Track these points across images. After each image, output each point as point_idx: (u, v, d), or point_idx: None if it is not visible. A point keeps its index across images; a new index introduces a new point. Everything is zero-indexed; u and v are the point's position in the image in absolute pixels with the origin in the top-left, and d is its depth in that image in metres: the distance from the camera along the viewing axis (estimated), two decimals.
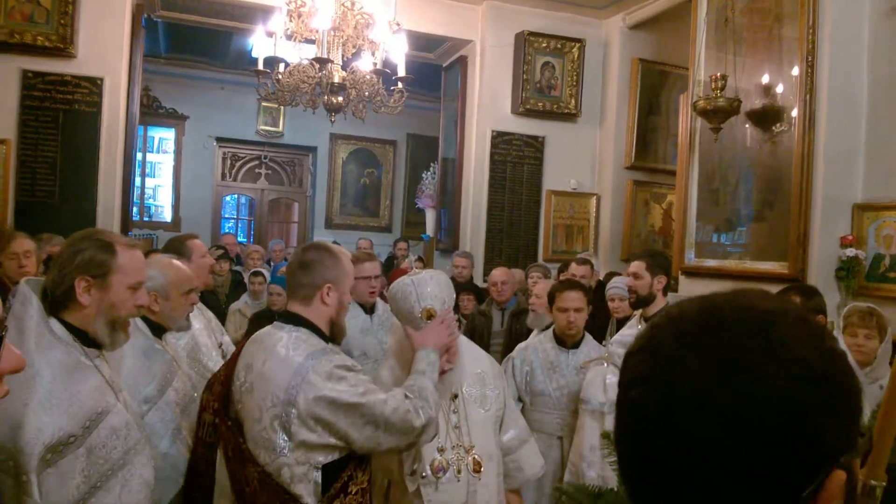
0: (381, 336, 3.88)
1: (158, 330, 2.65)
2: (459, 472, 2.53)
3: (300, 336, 2.07)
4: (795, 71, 4.36)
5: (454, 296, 2.43)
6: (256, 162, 11.47)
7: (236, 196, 11.76)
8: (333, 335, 2.22)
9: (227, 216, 11.75)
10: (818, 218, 4.28)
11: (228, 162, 11.29)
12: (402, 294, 2.41)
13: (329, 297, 2.15)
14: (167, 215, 10.11)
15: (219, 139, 10.91)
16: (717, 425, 0.63)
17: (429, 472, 2.48)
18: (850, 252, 4.15)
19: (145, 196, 9.90)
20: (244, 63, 9.90)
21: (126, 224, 6.10)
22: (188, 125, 10.19)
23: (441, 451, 2.53)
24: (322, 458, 1.98)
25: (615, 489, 1.19)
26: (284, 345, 2.03)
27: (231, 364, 2.24)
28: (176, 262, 2.76)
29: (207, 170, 10.88)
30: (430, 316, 2.33)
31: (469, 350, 2.77)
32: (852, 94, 4.24)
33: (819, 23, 4.22)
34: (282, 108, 10.57)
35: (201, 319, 3.11)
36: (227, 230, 10.90)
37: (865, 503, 0.89)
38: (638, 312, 3.85)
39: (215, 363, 3.11)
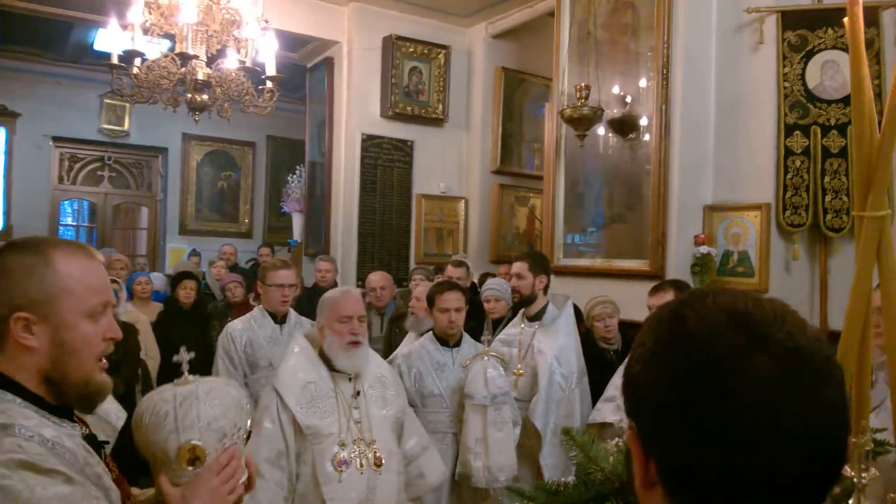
0: None
1: None
2: (361, 465, 2.58)
3: None
4: (652, 83, 4.70)
5: (246, 418, 1.64)
6: (98, 164, 10.59)
7: (76, 201, 10.82)
8: (65, 399, 1.29)
9: (65, 223, 10.77)
10: (674, 219, 4.63)
11: (66, 164, 10.33)
12: (153, 419, 1.51)
13: (32, 337, 1.24)
14: None
15: (55, 139, 9.96)
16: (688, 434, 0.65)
17: (330, 469, 2.51)
18: (703, 249, 4.53)
19: None
20: (85, 56, 9.15)
21: None
22: (20, 123, 9.25)
23: (342, 445, 2.58)
24: None
25: (570, 484, 1.23)
26: None
27: None
28: None
29: (43, 172, 9.89)
30: (193, 458, 1.47)
31: (371, 354, 2.89)
32: (702, 104, 4.64)
33: (672, 38, 4.58)
34: (127, 105, 9.87)
35: None
36: (65, 238, 9.98)
37: None
38: (521, 311, 3.99)
39: None
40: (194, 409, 1.52)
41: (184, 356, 1.79)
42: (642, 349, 0.71)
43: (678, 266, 4.61)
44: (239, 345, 3.76)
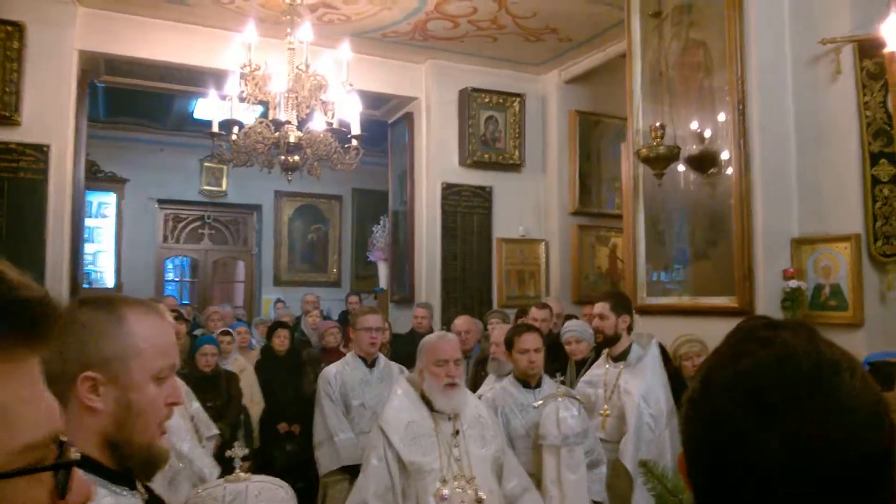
0: (381, 389, 3.98)
1: None
2: (462, 502, 2.67)
3: None
4: (728, 117, 4.70)
5: None
6: (199, 223, 11.33)
7: (178, 258, 11.55)
8: (127, 463, 1.21)
9: (169, 279, 11.50)
10: (760, 253, 4.55)
11: (171, 224, 11.13)
12: None
13: (98, 399, 1.17)
14: (109, 281, 9.82)
15: (160, 201, 10.77)
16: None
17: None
18: (793, 284, 4.42)
19: (85, 262, 9.61)
20: (185, 124, 9.89)
21: (76, 292, 5.95)
22: (128, 188, 10.01)
23: (444, 481, 2.69)
24: None
25: None
26: None
27: None
28: None
29: (149, 233, 10.70)
30: None
31: (469, 395, 3.04)
32: (781, 137, 4.59)
33: (747, 73, 4.59)
34: (224, 167, 10.55)
35: None
36: (170, 293, 10.66)
37: None
38: (605, 352, 4.02)
39: (190, 445, 3.09)
40: None
41: (236, 453, 1.87)
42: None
43: (768, 301, 4.51)
44: (335, 387, 4.08)
